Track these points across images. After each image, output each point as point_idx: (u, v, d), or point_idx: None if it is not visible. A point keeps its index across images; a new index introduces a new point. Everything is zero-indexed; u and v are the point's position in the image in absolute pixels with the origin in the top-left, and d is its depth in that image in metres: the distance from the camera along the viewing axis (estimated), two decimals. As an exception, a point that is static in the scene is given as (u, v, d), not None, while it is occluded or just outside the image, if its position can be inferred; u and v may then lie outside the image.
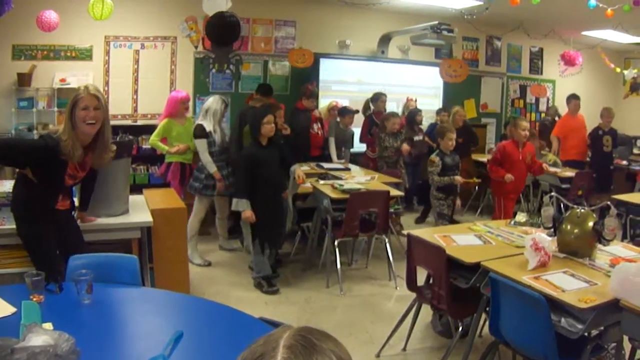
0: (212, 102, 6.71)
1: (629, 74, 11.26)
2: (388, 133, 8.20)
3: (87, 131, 3.65)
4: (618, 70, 11.18)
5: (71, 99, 3.64)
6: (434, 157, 6.77)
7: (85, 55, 8.51)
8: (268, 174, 5.72)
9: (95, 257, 3.33)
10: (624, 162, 10.78)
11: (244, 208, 5.64)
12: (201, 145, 6.53)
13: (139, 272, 3.27)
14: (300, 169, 6.22)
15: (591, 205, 4.69)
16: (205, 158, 6.53)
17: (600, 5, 6.18)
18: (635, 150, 12.07)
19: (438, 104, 10.88)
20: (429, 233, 4.61)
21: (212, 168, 6.53)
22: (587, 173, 9.05)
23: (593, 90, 12.72)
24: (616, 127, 9.88)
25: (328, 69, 9.94)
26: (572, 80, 11.74)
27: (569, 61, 10.51)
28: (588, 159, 10.10)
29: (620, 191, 8.55)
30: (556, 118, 10.81)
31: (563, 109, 10.43)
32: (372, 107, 9.10)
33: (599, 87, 13.14)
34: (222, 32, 6.60)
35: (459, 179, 6.82)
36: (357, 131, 9.08)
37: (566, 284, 3.37)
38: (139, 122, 8.85)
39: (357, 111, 8.80)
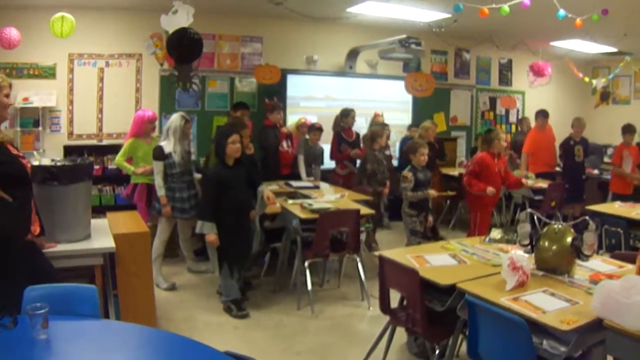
0: (173, 119, 6.54)
1: (599, 83, 11.26)
2: (377, 149, 8.07)
3: None
4: (587, 79, 11.16)
5: None
6: (407, 172, 6.65)
7: (48, 73, 8.34)
8: (234, 195, 5.56)
9: (52, 287, 3.13)
10: (596, 171, 10.81)
11: (209, 231, 5.47)
12: (157, 167, 6.37)
13: (99, 302, 3.09)
14: (268, 190, 6.07)
15: (564, 215, 4.59)
16: (157, 181, 6.37)
17: (570, 15, 6.11)
18: (605, 159, 12.08)
19: (407, 118, 10.79)
20: (401, 254, 4.43)
21: (160, 191, 6.38)
22: (560, 184, 9.05)
23: (562, 100, 12.73)
24: (586, 137, 9.84)
25: (295, 85, 9.79)
26: (542, 90, 11.73)
27: (538, 72, 10.50)
28: (558, 169, 10.07)
29: (593, 201, 8.55)
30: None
31: (534, 120, 10.38)
32: (341, 123, 8.94)
33: (568, 97, 13.15)
34: (183, 50, 6.43)
35: (433, 192, 6.70)
36: (326, 147, 8.93)
37: (547, 305, 3.24)
38: (105, 142, 8.67)
39: (322, 129, 8.66)
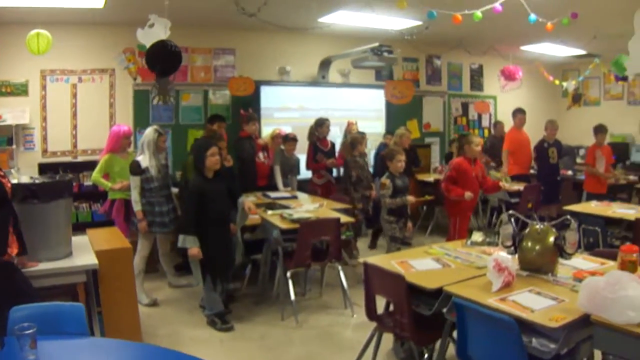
0: (146, 133, 6.52)
1: (569, 85, 11.39)
2: (357, 155, 8.13)
3: None
4: (557, 82, 11.30)
5: None
6: (385, 179, 6.66)
7: (20, 90, 8.27)
8: (215, 208, 5.52)
9: (38, 307, 3.09)
10: (569, 172, 10.93)
11: (191, 245, 5.40)
12: (133, 182, 6.34)
13: (86, 320, 3.05)
14: (248, 201, 6.05)
15: (541, 217, 4.63)
16: (134, 196, 6.34)
17: (540, 19, 6.19)
18: (578, 160, 12.23)
19: (381, 126, 10.83)
20: (385, 260, 4.45)
21: (136, 207, 6.35)
22: (535, 186, 9.13)
23: (534, 103, 12.82)
24: (559, 139, 9.95)
25: (269, 96, 9.79)
26: (513, 94, 11.84)
27: (509, 76, 10.60)
28: (533, 172, 10.16)
29: (568, 201, 8.64)
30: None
31: (508, 123, 10.47)
32: (316, 132, 8.94)
33: (539, 100, 13.30)
34: (164, 62, 6.41)
35: (411, 198, 6.73)
36: (301, 157, 8.93)
37: (534, 304, 3.28)
38: (79, 159, 8.61)
39: (296, 139, 8.62)
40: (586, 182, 9.41)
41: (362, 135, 8.55)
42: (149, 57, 6.41)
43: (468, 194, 6.71)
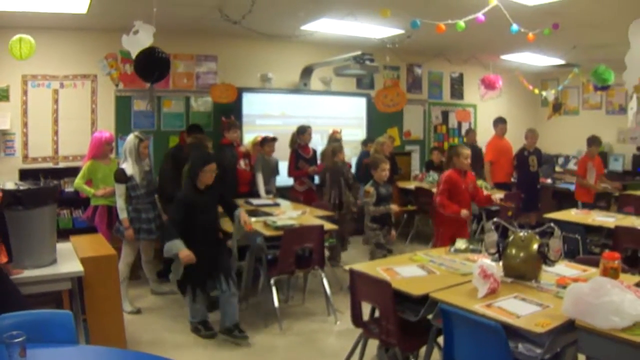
0: (128, 140, 6.51)
1: (549, 94, 11.50)
2: (340, 163, 8.31)
3: None
4: (537, 91, 11.40)
5: None
6: (369, 187, 6.68)
7: (1, 95, 8.15)
8: (203, 219, 5.54)
9: (26, 315, 3.07)
10: (549, 181, 11.04)
11: (180, 248, 5.29)
12: (118, 189, 6.31)
13: (75, 327, 3.04)
14: (245, 214, 5.96)
15: (521, 224, 4.68)
16: (119, 204, 6.31)
17: (522, 30, 6.26)
18: (557, 169, 12.36)
19: (362, 134, 10.85)
20: (371, 267, 4.49)
21: (122, 214, 6.32)
22: (516, 194, 9.22)
23: (513, 112, 12.91)
24: (538, 147, 10.06)
25: (251, 103, 9.79)
26: (493, 103, 11.90)
27: (489, 85, 10.66)
28: (513, 180, 10.25)
29: (547, 209, 8.73)
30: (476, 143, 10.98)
31: (488, 131, 10.56)
32: (298, 140, 8.96)
33: (518, 109, 13.39)
34: (154, 69, 6.40)
35: (395, 207, 6.76)
36: (283, 165, 8.97)
37: (519, 310, 3.34)
38: (61, 165, 8.49)
39: (275, 138, 8.66)
40: (577, 192, 9.50)
41: (340, 144, 8.64)
42: (138, 65, 6.38)
43: (464, 212, 6.39)
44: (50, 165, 8.44)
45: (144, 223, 6.40)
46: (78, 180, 6.72)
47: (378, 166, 6.75)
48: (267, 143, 8.42)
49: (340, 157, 8.24)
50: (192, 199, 5.51)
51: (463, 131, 12.81)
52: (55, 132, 8.50)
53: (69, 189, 7.94)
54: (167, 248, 5.38)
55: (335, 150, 8.21)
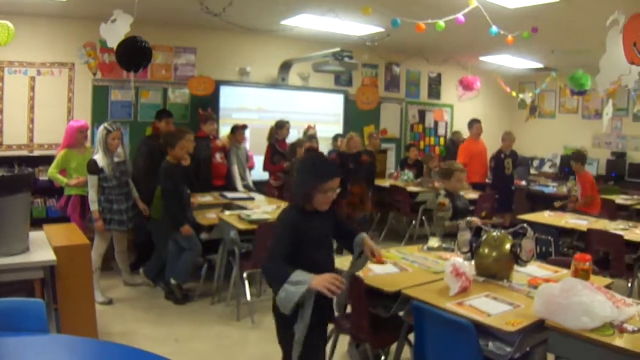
0: (98, 132, 6.43)
1: (526, 97, 11.60)
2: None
3: None
4: (514, 94, 11.49)
5: None
6: (444, 199, 6.34)
7: (-23, 82, 8.05)
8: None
9: (-2, 303, 3.04)
10: (523, 183, 11.14)
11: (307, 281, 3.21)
12: (91, 180, 6.25)
13: (47, 317, 3.01)
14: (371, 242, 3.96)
15: (494, 225, 4.71)
16: (91, 195, 6.26)
17: (502, 32, 6.30)
18: (532, 171, 12.48)
19: (339, 130, 10.85)
20: (344, 263, 4.48)
21: (93, 206, 6.26)
22: (490, 195, 9.30)
23: (490, 114, 13.02)
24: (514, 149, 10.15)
25: (229, 97, 9.76)
26: (471, 104, 11.96)
27: (467, 86, 10.73)
28: (488, 181, 10.31)
29: (521, 211, 8.80)
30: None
31: (464, 132, 10.63)
32: (276, 135, 8.96)
33: (496, 111, 13.51)
34: (137, 59, 6.37)
35: (475, 220, 5.63)
36: (259, 159, 9.00)
37: (491, 308, 3.37)
38: (36, 153, 8.36)
39: (246, 126, 8.69)
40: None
41: (310, 139, 8.80)
42: (120, 54, 6.35)
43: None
44: (25, 153, 8.31)
45: (115, 214, 6.35)
46: (52, 170, 6.68)
47: (452, 175, 5.91)
48: (238, 131, 8.44)
49: (300, 154, 8.31)
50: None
51: (439, 131, 12.90)
52: (31, 120, 8.38)
53: (43, 177, 7.84)
54: (285, 298, 3.24)
55: (295, 146, 8.48)
